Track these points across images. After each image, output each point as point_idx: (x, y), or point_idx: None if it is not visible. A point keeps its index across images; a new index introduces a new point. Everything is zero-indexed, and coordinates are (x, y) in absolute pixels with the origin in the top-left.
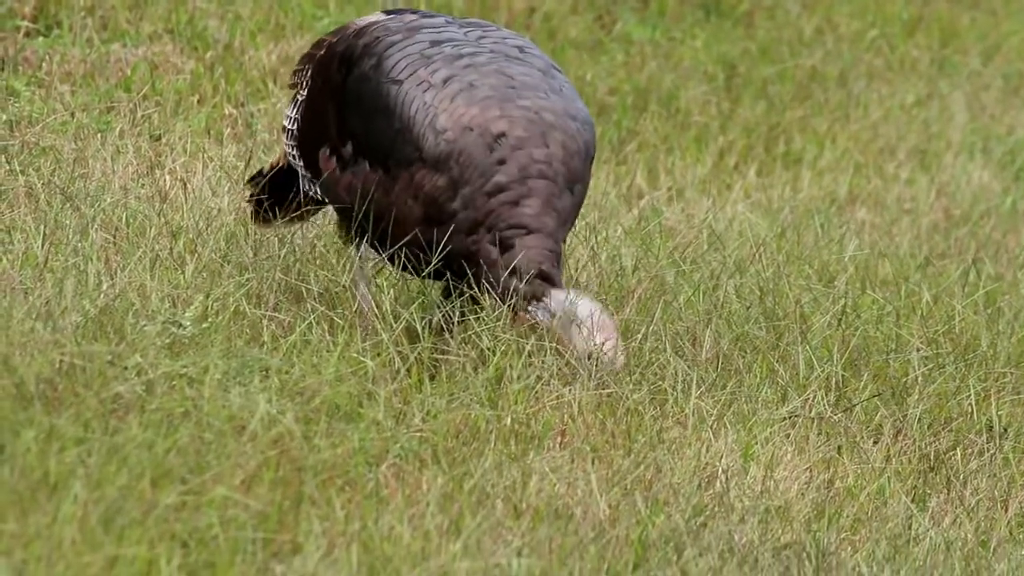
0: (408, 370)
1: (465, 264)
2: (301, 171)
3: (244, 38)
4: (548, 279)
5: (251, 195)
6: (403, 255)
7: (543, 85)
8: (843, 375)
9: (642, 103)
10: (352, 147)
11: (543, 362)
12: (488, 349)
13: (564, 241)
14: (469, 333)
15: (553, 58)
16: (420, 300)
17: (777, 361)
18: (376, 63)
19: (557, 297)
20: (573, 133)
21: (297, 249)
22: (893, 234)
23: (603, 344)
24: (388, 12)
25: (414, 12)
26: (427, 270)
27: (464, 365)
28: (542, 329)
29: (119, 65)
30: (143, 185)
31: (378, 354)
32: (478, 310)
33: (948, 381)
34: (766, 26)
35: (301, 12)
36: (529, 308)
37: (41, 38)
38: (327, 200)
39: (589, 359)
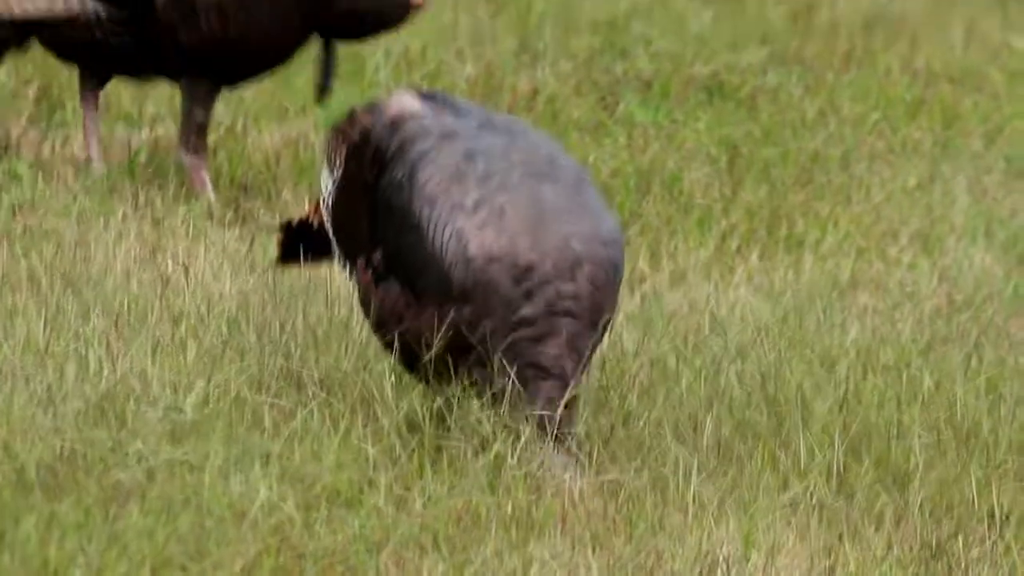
0: (409, 456)
1: (478, 379)
2: (338, 256)
3: (247, 120)
4: (552, 424)
5: (279, 240)
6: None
7: (573, 206)
8: (844, 461)
9: (645, 185)
10: (383, 259)
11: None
12: (488, 435)
13: (581, 381)
14: (470, 419)
15: (557, 139)
16: (422, 387)
17: (778, 447)
18: (410, 174)
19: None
20: (603, 261)
21: (299, 335)
22: (895, 319)
23: None
24: (422, 95)
25: (446, 101)
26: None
27: (465, 451)
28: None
29: (122, 147)
30: (145, 269)
31: (379, 440)
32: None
33: (950, 468)
34: (769, 109)
35: (304, 94)
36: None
37: (44, 121)
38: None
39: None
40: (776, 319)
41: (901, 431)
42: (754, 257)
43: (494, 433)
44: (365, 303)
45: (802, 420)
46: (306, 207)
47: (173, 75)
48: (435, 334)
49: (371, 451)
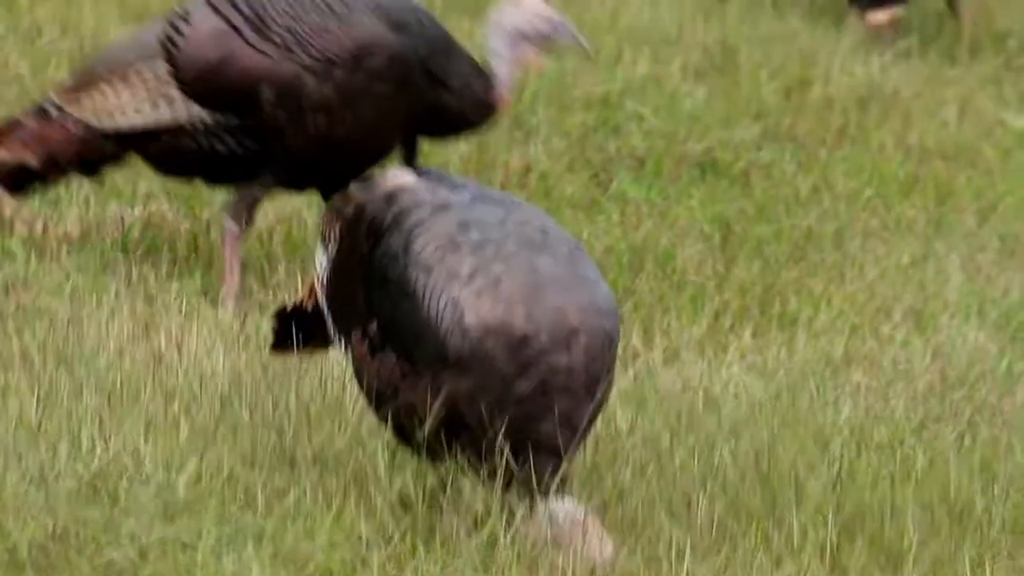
0: (403, 535)
1: (471, 455)
2: (333, 332)
3: None
4: (546, 492)
5: (274, 328)
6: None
7: (569, 276)
8: (838, 541)
9: (638, 262)
10: (378, 330)
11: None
12: (482, 514)
13: (576, 453)
14: (463, 497)
15: (550, 216)
16: (416, 466)
17: (772, 526)
18: (405, 243)
19: (541, 513)
20: (598, 332)
21: (292, 412)
22: (888, 396)
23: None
24: (417, 171)
25: (441, 177)
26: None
27: (458, 530)
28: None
29: (115, 224)
30: (138, 347)
31: (372, 519)
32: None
33: (943, 547)
34: (762, 185)
35: None
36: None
37: (37, 198)
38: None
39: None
40: (769, 397)
41: (895, 510)
42: (747, 335)
43: (488, 511)
44: (360, 375)
45: (795, 499)
46: (300, 291)
47: (273, 177)
48: (430, 405)
49: (364, 530)
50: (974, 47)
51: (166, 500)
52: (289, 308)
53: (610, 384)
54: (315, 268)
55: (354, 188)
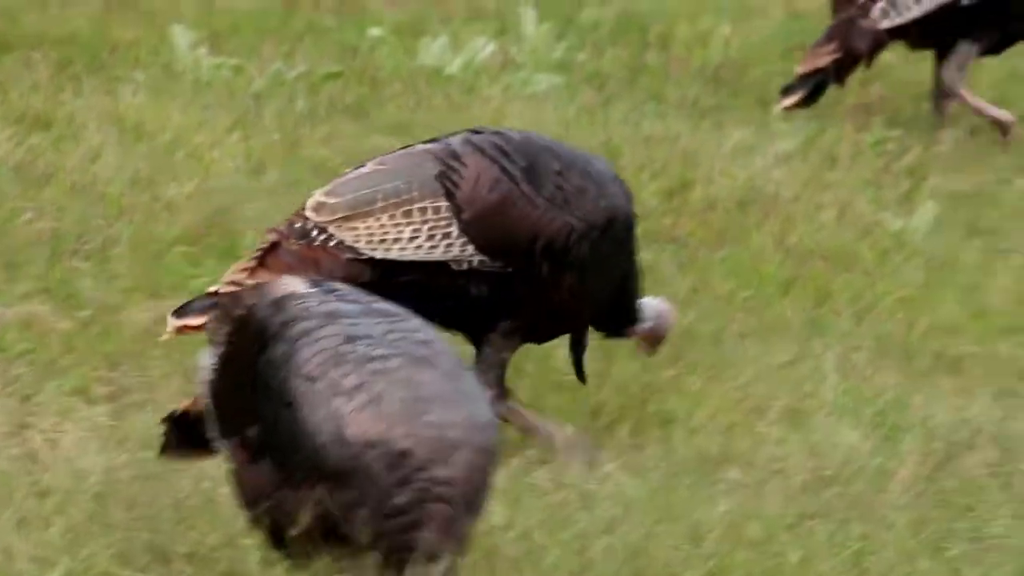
0: None
1: (350, 565)
2: (215, 434)
3: (119, 297)
4: None
5: (164, 433)
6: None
7: (450, 392)
8: None
9: (517, 361)
10: (258, 436)
11: None
12: None
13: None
14: None
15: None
16: (288, 565)
17: None
18: (288, 354)
19: None
20: (478, 447)
21: (166, 509)
22: (763, 494)
23: None
24: (308, 280)
25: (330, 288)
26: None
27: None
28: None
29: None
30: (12, 445)
31: None
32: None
33: None
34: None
35: (177, 271)
36: None
37: None
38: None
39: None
40: (645, 493)
41: None
42: (624, 432)
43: None
44: (237, 479)
45: None
46: (183, 400)
47: (512, 326)
48: (306, 514)
49: None
50: (854, 150)
51: None
52: (179, 412)
53: (488, 496)
54: (200, 370)
55: (245, 291)
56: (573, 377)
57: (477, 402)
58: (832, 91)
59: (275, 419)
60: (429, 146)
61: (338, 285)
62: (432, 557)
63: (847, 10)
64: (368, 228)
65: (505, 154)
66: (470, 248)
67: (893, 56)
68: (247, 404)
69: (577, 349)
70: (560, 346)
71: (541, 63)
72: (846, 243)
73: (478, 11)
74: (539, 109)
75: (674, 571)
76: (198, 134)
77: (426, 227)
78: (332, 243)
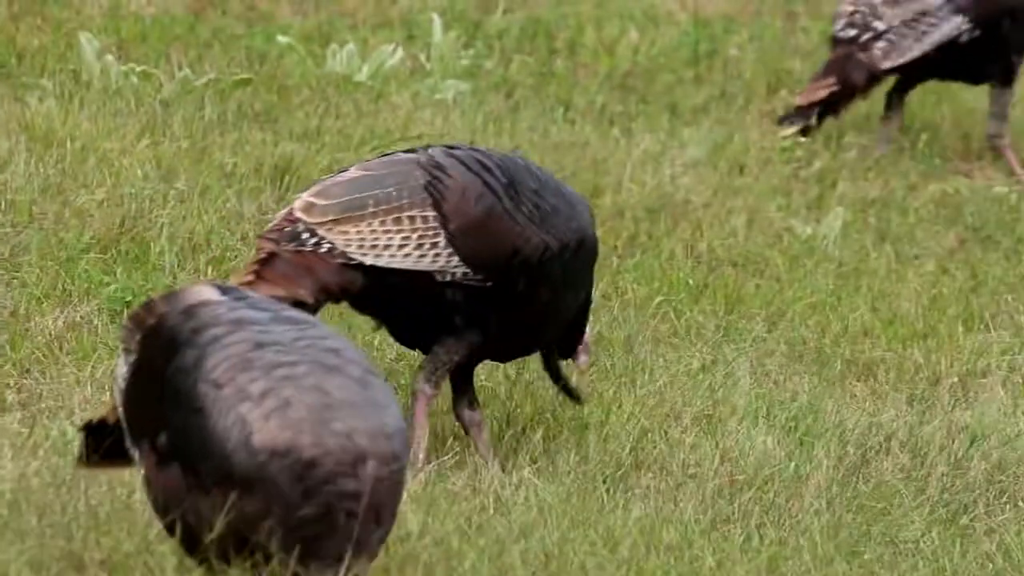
0: None
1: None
2: (128, 441)
3: (30, 304)
4: None
5: (82, 442)
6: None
7: (359, 399)
8: None
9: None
10: (168, 443)
11: None
12: None
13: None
14: None
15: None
16: (203, 569)
17: None
18: (196, 361)
19: None
20: (386, 456)
21: (80, 516)
22: (678, 499)
23: None
24: (219, 287)
25: (241, 295)
26: None
27: None
28: None
29: None
30: None
31: None
32: None
33: None
34: None
35: (88, 278)
36: None
37: None
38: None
39: None
40: (560, 499)
41: None
42: (538, 438)
43: None
44: (149, 485)
45: None
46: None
47: (480, 338)
48: (215, 519)
49: None
50: (763, 157)
51: None
52: (95, 421)
53: (396, 508)
54: (114, 378)
55: (156, 298)
56: (487, 382)
57: (387, 410)
58: (740, 97)
59: (184, 425)
60: (412, 155)
61: (248, 292)
62: (339, 568)
63: (846, 47)
64: (360, 233)
65: (487, 169)
66: (455, 259)
67: (797, 63)
68: (157, 411)
69: (554, 372)
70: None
71: (449, 70)
72: (756, 249)
73: (385, 19)
74: (448, 117)
75: (590, 575)
76: (108, 141)
77: (415, 235)
78: (323, 248)
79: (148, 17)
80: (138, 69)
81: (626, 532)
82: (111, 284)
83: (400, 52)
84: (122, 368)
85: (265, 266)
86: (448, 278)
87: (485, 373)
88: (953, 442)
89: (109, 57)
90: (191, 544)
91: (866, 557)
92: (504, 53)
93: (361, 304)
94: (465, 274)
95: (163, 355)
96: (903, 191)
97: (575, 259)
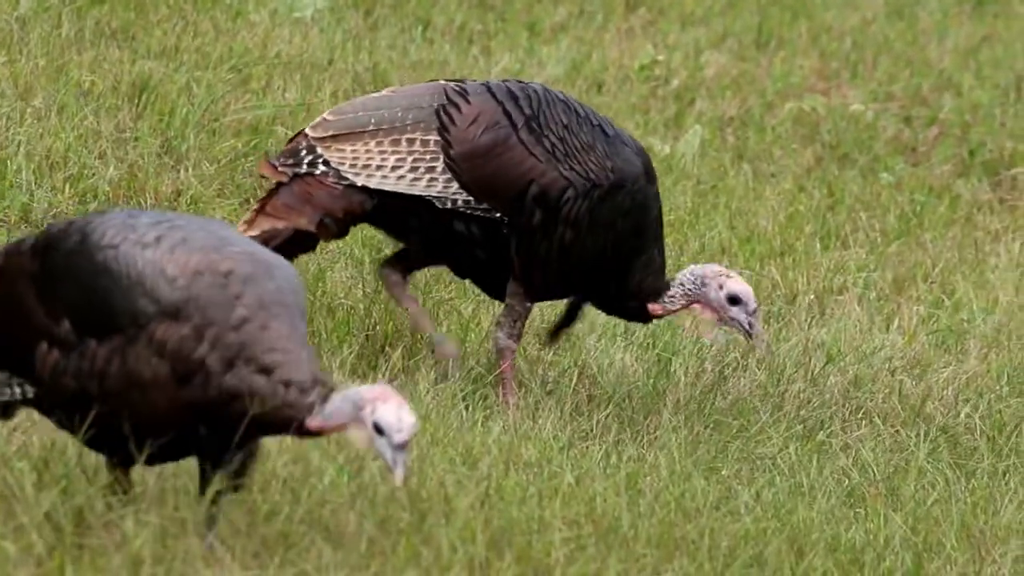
0: (49, 554)
1: (230, 406)
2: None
3: None
4: (324, 384)
5: None
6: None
7: (243, 239)
8: (487, 556)
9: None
10: (72, 326)
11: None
12: (129, 532)
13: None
14: (111, 515)
15: None
16: (62, 485)
17: (421, 542)
18: (82, 238)
19: (337, 399)
20: (289, 272)
21: None
22: (537, 416)
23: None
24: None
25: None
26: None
27: (106, 548)
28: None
29: None
30: None
31: (20, 539)
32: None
33: (590, 562)
34: None
35: None
36: (319, 417)
37: None
38: (53, 400)
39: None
40: (419, 416)
41: (542, 526)
42: (397, 356)
43: (135, 530)
44: (58, 382)
45: (445, 516)
46: None
47: (492, 274)
48: (153, 363)
49: (11, 549)
50: (621, 76)
51: None
52: None
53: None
54: None
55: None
56: (347, 300)
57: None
58: (599, 15)
59: (90, 297)
60: (446, 82)
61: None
62: (293, 349)
63: None
64: (354, 151)
65: (514, 99)
66: (454, 186)
67: None
68: (43, 314)
69: (569, 318)
70: (330, 269)
71: None
72: None
73: None
74: (306, 35)
75: (449, 493)
76: None
77: (411, 158)
78: (318, 168)
79: None
80: None
81: (485, 449)
82: None
83: None
84: None
85: (268, 200)
86: (449, 205)
87: (343, 291)
88: (810, 359)
89: None
90: (115, 423)
91: (723, 473)
92: None
93: (384, 230)
94: (467, 202)
95: (33, 262)
96: (760, 109)
97: (606, 202)
